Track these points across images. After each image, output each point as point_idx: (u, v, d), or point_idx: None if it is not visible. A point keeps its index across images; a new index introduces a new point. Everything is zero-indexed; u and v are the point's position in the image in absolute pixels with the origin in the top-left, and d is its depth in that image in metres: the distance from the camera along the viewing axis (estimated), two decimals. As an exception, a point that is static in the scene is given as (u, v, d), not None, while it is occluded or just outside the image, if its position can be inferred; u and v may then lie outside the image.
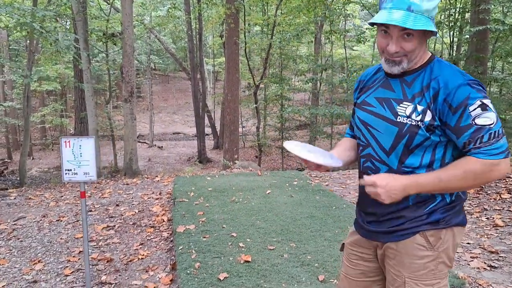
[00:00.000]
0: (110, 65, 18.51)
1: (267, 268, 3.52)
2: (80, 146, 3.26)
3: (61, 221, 5.52)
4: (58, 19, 16.14)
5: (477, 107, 1.54)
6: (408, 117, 1.65)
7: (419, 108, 1.64)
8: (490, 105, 1.55)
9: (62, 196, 7.15)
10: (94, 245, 4.55)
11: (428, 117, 1.62)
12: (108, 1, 17.84)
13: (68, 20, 19.05)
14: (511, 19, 14.18)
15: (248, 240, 4.14)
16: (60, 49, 10.85)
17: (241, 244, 4.01)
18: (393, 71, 1.71)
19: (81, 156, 3.28)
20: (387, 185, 1.59)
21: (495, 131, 1.54)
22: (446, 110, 1.58)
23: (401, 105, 1.68)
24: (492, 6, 12.75)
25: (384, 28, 1.65)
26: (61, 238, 4.85)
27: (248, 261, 3.64)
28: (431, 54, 1.72)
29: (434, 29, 1.61)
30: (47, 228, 5.24)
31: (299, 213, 4.96)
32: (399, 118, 1.67)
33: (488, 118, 1.54)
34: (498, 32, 13.56)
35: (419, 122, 1.63)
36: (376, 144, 1.75)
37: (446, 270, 1.71)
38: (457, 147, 1.65)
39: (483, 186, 6.58)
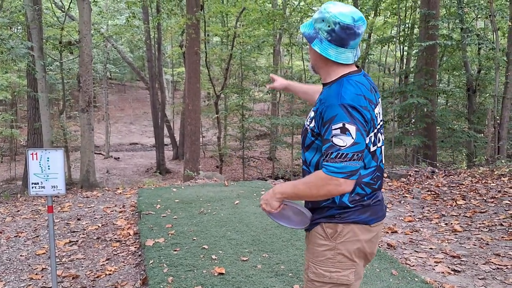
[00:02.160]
0: (65, 74, 18.03)
1: (242, 279, 3.49)
2: (48, 158, 3.14)
3: (20, 237, 5.29)
4: (10, 26, 15.62)
5: (338, 128, 1.73)
6: (307, 120, 1.96)
7: (311, 115, 1.91)
8: (352, 131, 1.72)
9: (18, 211, 6.86)
10: (58, 262, 4.38)
11: (312, 124, 1.88)
12: (63, 9, 17.41)
13: (20, 27, 18.47)
14: (457, 34, 14.80)
15: (220, 251, 4.09)
16: (15, 58, 10.47)
17: (213, 256, 3.96)
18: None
19: (49, 168, 3.16)
20: (264, 195, 1.96)
21: (343, 153, 1.71)
22: (320, 122, 1.81)
23: (311, 110, 1.97)
24: (440, 22, 13.28)
25: None
26: (21, 255, 4.65)
27: (222, 273, 3.59)
28: (348, 72, 1.89)
29: (302, 29, 1.94)
30: (5, 245, 5.01)
31: (269, 223, 4.95)
32: (305, 120, 1.99)
33: (342, 141, 1.72)
34: (445, 47, 14.15)
35: (308, 127, 1.92)
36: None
37: (349, 263, 1.87)
38: None
39: (439, 194, 6.81)
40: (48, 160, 3.15)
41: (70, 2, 15.57)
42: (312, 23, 1.91)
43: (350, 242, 1.86)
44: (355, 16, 1.82)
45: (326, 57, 1.87)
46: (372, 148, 1.88)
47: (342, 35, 1.82)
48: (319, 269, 1.88)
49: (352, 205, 1.85)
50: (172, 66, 31.47)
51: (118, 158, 26.07)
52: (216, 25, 22.55)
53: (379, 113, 1.95)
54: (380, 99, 1.99)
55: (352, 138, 1.71)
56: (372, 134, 1.85)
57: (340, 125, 1.72)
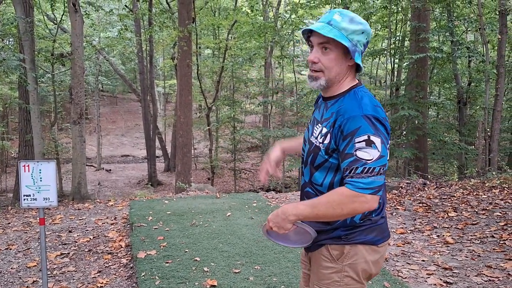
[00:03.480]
0: (57, 86, 17.98)
1: (234, 292, 3.48)
2: (40, 170, 3.13)
3: (11, 249, 5.24)
4: (2, 38, 15.59)
5: (363, 141, 1.62)
6: (316, 137, 1.82)
7: (324, 131, 1.78)
8: (378, 143, 1.63)
9: (9, 223, 6.80)
10: (49, 274, 4.33)
11: (327, 140, 1.74)
12: (55, 21, 17.42)
13: (12, 39, 18.42)
14: (448, 47, 14.98)
15: (212, 264, 4.08)
16: (7, 70, 10.44)
17: (205, 269, 3.95)
18: (313, 87, 1.83)
19: (41, 180, 3.15)
20: (272, 215, 1.77)
21: (370, 167, 1.62)
22: (339, 136, 1.69)
23: (316, 126, 1.85)
24: (431, 35, 13.45)
25: (310, 42, 1.80)
26: (12, 268, 4.60)
27: (214, 286, 3.58)
28: (355, 84, 1.81)
29: (346, 43, 1.71)
30: (-5, 257, 4.96)
31: (261, 235, 4.94)
32: (312, 138, 1.85)
33: (368, 154, 1.62)
34: (436, 59, 14.31)
35: (320, 144, 1.78)
36: (303, 157, 1.94)
37: (357, 285, 1.81)
38: None
39: (430, 206, 6.84)
40: (40, 172, 3.14)
41: (62, 15, 15.57)
42: (345, 34, 1.72)
43: (357, 263, 1.79)
44: None
45: (360, 70, 1.83)
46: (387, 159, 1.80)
47: (366, 48, 1.82)
48: None
49: (361, 222, 1.78)
50: (164, 79, 31.50)
51: (110, 170, 25.94)
52: (208, 38, 22.67)
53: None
54: None
55: (378, 151, 1.63)
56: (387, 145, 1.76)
57: (365, 137, 1.63)
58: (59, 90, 22.14)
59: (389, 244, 4.98)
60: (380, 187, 1.65)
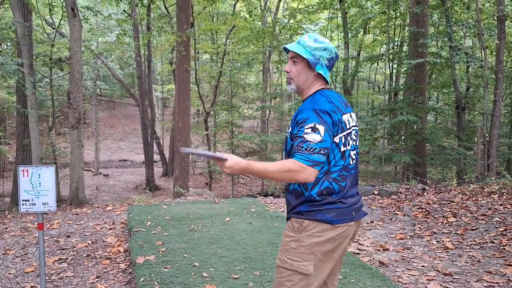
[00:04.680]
0: (55, 91, 17.96)
1: (234, 298, 3.45)
2: (39, 175, 3.11)
3: (8, 254, 5.21)
4: (0, 43, 15.58)
5: (309, 127, 2.11)
6: (287, 130, 2.34)
7: (290, 123, 2.31)
8: (321, 130, 2.11)
9: (6, 228, 6.76)
10: (47, 280, 4.30)
11: (290, 129, 2.28)
12: (53, 26, 17.41)
13: (9, 44, 18.42)
14: (446, 52, 15.01)
15: (211, 269, 4.05)
16: (5, 74, 10.42)
17: (204, 274, 3.92)
18: (289, 90, 2.43)
19: (40, 185, 3.12)
20: (232, 164, 2.16)
21: (312, 147, 2.08)
22: (295, 124, 2.19)
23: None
24: (429, 41, 13.46)
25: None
26: (9, 273, 4.56)
27: (213, 292, 3.55)
28: (320, 89, 2.32)
29: (307, 57, 2.26)
30: (-7, 262, 4.92)
31: (260, 240, 4.92)
32: (287, 131, 2.37)
33: (313, 137, 2.09)
34: (434, 65, 14.32)
35: (287, 133, 2.31)
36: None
37: (310, 255, 2.15)
38: None
39: (430, 211, 6.82)
40: (39, 177, 3.12)
41: (61, 19, 15.56)
42: (310, 51, 2.28)
43: (313, 237, 2.15)
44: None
45: (327, 79, 2.33)
46: (343, 148, 2.23)
47: (333, 63, 2.35)
48: (284, 257, 2.19)
49: (320, 198, 2.17)
50: (162, 83, 31.53)
51: (108, 174, 25.88)
52: (206, 43, 22.69)
53: (348, 121, 2.29)
54: (352, 113, 2.38)
55: (321, 136, 2.09)
56: (342, 135, 2.22)
57: (312, 125, 2.11)
58: (57, 94, 22.13)
59: (388, 250, 4.97)
60: (318, 163, 2.09)
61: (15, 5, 12.05)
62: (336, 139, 2.19)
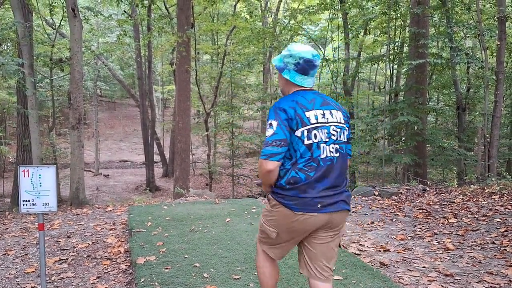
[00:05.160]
0: (55, 91, 17.95)
1: (235, 299, 3.44)
2: (40, 175, 3.10)
3: (8, 255, 5.20)
4: (0, 43, 15.58)
5: (268, 124, 2.47)
6: None
7: None
8: (274, 125, 2.44)
9: (6, 228, 6.76)
10: (47, 280, 4.30)
11: None
12: (53, 26, 17.41)
13: (10, 44, 18.41)
14: (447, 53, 14.98)
15: (212, 270, 4.04)
16: (6, 74, 10.41)
17: (205, 275, 3.91)
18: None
19: (40, 186, 3.12)
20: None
21: (266, 141, 2.44)
22: None
23: None
24: (430, 41, 13.44)
25: None
26: (9, 274, 4.56)
27: (214, 292, 3.54)
28: (294, 91, 2.64)
29: (275, 64, 2.71)
30: (-7, 262, 4.91)
31: (260, 242, 4.91)
32: None
33: (268, 132, 2.45)
34: (435, 65, 14.30)
35: None
36: None
37: (274, 224, 2.59)
38: None
39: (430, 212, 6.82)
40: (40, 177, 3.11)
41: (61, 20, 15.56)
42: (281, 58, 2.66)
43: (277, 213, 2.55)
44: (313, 53, 2.60)
45: (294, 82, 2.62)
46: (307, 141, 2.47)
47: (305, 66, 2.59)
48: (261, 219, 2.74)
49: (288, 186, 2.47)
50: (162, 84, 31.52)
51: (108, 175, 25.89)
52: (207, 43, 22.68)
53: (316, 117, 2.51)
54: (333, 110, 2.61)
55: (273, 130, 2.43)
56: (303, 129, 2.46)
57: (270, 122, 2.47)
58: (58, 95, 22.12)
59: (389, 250, 4.95)
60: (272, 155, 2.40)
61: (15, 6, 12.05)
62: (298, 133, 2.45)
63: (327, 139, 2.51)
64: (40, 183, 3.12)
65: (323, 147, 2.49)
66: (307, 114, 2.48)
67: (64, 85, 22.07)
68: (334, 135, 2.54)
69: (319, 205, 2.46)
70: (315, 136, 2.47)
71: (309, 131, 2.46)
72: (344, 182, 2.61)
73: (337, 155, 2.54)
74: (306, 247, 2.67)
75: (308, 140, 2.46)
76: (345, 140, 2.63)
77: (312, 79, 2.65)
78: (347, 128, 2.66)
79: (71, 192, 11.29)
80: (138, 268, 4.09)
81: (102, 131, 34.61)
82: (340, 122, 2.60)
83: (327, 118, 2.54)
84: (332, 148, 2.52)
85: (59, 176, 17.30)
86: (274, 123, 2.43)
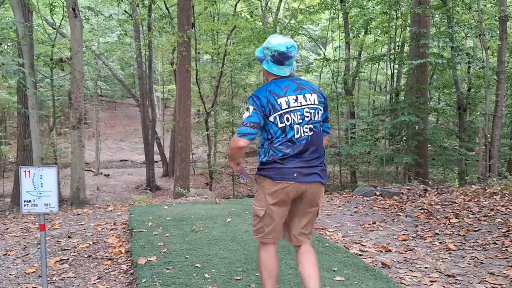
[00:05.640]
0: (56, 91, 17.95)
1: (236, 299, 3.42)
2: (41, 176, 3.09)
3: (9, 255, 5.19)
4: (1, 43, 15.54)
5: (246, 109, 2.85)
6: None
7: None
8: (250, 109, 2.81)
9: (7, 228, 6.75)
10: (48, 281, 4.28)
11: None
12: (54, 26, 17.41)
13: (10, 44, 18.39)
14: (447, 53, 14.97)
15: (213, 270, 4.03)
16: (6, 74, 10.41)
17: (206, 275, 3.90)
18: None
19: (41, 186, 3.11)
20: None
21: (242, 122, 2.81)
22: None
23: None
24: (431, 41, 13.43)
25: None
26: (10, 274, 4.54)
27: (215, 293, 3.53)
28: (271, 80, 2.98)
29: (256, 55, 3.06)
30: (-6, 263, 4.90)
31: (261, 242, 4.89)
32: None
33: (245, 115, 2.83)
34: (436, 65, 14.28)
35: None
36: None
37: (262, 202, 2.92)
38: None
39: (432, 212, 6.80)
40: (41, 178, 3.10)
41: (62, 19, 15.55)
42: (261, 49, 2.97)
43: (263, 188, 2.90)
44: (288, 45, 2.86)
45: (271, 72, 2.94)
46: (280, 125, 2.82)
47: (280, 58, 2.88)
48: (252, 205, 3.07)
49: (268, 163, 2.84)
50: (163, 84, 31.50)
51: (108, 175, 25.90)
52: (207, 43, 22.66)
53: (287, 102, 2.83)
54: (307, 94, 2.92)
55: (249, 113, 2.81)
56: (276, 115, 2.81)
57: (248, 106, 2.85)
58: (58, 95, 22.10)
59: (390, 251, 4.94)
60: (246, 134, 2.78)
61: (16, 5, 12.05)
62: (271, 118, 2.81)
63: (300, 121, 2.85)
64: (42, 183, 3.11)
65: (297, 128, 2.83)
66: (279, 101, 2.82)
67: (65, 84, 22.08)
68: (307, 116, 2.88)
69: (295, 174, 2.81)
70: (287, 119, 2.82)
71: (281, 115, 2.81)
72: (319, 157, 2.94)
73: (311, 133, 2.88)
74: (289, 219, 3.05)
75: (281, 123, 2.82)
76: (320, 119, 2.97)
77: (289, 67, 2.94)
78: (321, 108, 2.98)
79: (71, 192, 11.29)
80: (139, 269, 4.07)
81: (103, 131, 34.61)
82: (314, 104, 2.91)
83: (300, 102, 2.87)
84: (306, 128, 2.86)
85: (59, 176, 17.29)
86: (251, 108, 2.81)
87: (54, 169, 3.13)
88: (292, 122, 2.82)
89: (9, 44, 18.81)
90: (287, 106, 2.83)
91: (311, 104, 2.89)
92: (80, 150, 11.16)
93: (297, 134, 2.83)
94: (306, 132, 2.86)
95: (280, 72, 2.92)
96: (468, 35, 14.99)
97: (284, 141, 2.82)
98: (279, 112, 2.81)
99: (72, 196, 11.17)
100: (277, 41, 2.86)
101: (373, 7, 16.09)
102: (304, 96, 2.89)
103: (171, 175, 21.74)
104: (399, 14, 14.49)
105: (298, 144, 2.83)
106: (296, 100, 2.86)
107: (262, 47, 2.96)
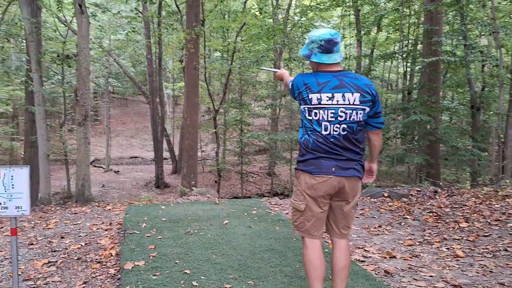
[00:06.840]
0: (66, 88, 17.89)
1: (222, 310, 3.20)
2: (12, 176, 2.89)
3: (-2, 256, 5.02)
4: (11, 39, 15.49)
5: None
6: None
7: None
8: (290, 84, 3.12)
9: (2, 227, 6.60)
10: (32, 285, 4.10)
11: None
12: (65, 23, 17.35)
13: (19, 39, 18.38)
14: (461, 51, 14.59)
15: (203, 277, 3.80)
16: (8, 70, 10.30)
17: (194, 283, 3.67)
18: None
19: (13, 187, 2.91)
20: (280, 71, 3.59)
21: (288, 83, 3.26)
22: None
23: None
24: (444, 39, 13.10)
25: None
26: (-5, 276, 4.38)
27: (201, 303, 3.31)
28: (313, 72, 3.05)
29: (303, 54, 3.09)
30: (-19, 264, 4.74)
31: (258, 246, 4.67)
32: None
33: (289, 83, 3.16)
34: (449, 63, 13.93)
35: None
36: None
37: (301, 196, 3.01)
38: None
39: (441, 215, 6.51)
40: (12, 179, 2.90)
41: (73, 17, 15.45)
42: (306, 46, 3.03)
43: (301, 183, 3.01)
44: (332, 32, 2.95)
45: (322, 62, 2.94)
46: (308, 117, 2.93)
47: (327, 46, 2.93)
48: (291, 202, 3.16)
49: (303, 147, 2.99)
50: (173, 81, 31.43)
51: (118, 171, 25.88)
52: (217, 40, 22.49)
53: (318, 99, 2.87)
54: (343, 93, 2.87)
55: (290, 85, 3.10)
56: (305, 106, 2.93)
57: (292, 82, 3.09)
58: (69, 91, 22.06)
59: (395, 257, 4.69)
60: (289, 85, 3.14)
61: (23, 1, 11.95)
62: (302, 108, 2.96)
63: (332, 119, 2.87)
64: (13, 185, 2.91)
65: (325, 125, 2.88)
66: (310, 96, 2.89)
67: (74, 81, 22.02)
68: (341, 116, 2.86)
69: (333, 168, 2.89)
70: (315, 115, 2.89)
71: (309, 109, 2.91)
72: (354, 155, 2.94)
73: (344, 133, 2.88)
74: (329, 214, 3.11)
75: (309, 116, 2.93)
76: (361, 119, 2.92)
77: (338, 54, 2.96)
78: (365, 108, 2.91)
79: (76, 189, 11.16)
80: (124, 274, 3.87)
81: (114, 128, 34.64)
82: (352, 104, 2.87)
83: (337, 101, 2.85)
84: (337, 127, 2.87)
85: (69, 172, 17.25)
86: (290, 83, 3.09)
87: (26, 169, 2.93)
88: (321, 118, 2.88)
89: (19, 39, 18.80)
90: (317, 102, 2.88)
91: (349, 104, 2.87)
92: (85, 147, 11.01)
93: (325, 131, 2.88)
94: (336, 131, 2.88)
95: (330, 60, 2.93)
96: (482, 33, 14.59)
97: (313, 131, 2.93)
98: (308, 106, 2.91)
99: (77, 193, 11.05)
100: (320, 32, 2.96)
101: (385, 3, 15.77)
102: (343, 95, 2.87)
103: (180, 172, 21.64)
104: (412, 12, 14.16)
105: (326, 141, 2.89)
106: (331, 98, 2.87)
107: (306, 44, 3.02)
